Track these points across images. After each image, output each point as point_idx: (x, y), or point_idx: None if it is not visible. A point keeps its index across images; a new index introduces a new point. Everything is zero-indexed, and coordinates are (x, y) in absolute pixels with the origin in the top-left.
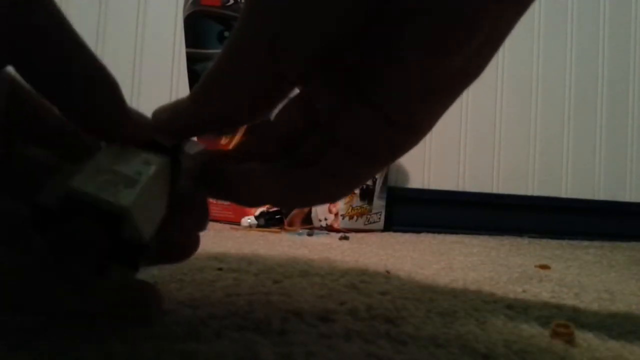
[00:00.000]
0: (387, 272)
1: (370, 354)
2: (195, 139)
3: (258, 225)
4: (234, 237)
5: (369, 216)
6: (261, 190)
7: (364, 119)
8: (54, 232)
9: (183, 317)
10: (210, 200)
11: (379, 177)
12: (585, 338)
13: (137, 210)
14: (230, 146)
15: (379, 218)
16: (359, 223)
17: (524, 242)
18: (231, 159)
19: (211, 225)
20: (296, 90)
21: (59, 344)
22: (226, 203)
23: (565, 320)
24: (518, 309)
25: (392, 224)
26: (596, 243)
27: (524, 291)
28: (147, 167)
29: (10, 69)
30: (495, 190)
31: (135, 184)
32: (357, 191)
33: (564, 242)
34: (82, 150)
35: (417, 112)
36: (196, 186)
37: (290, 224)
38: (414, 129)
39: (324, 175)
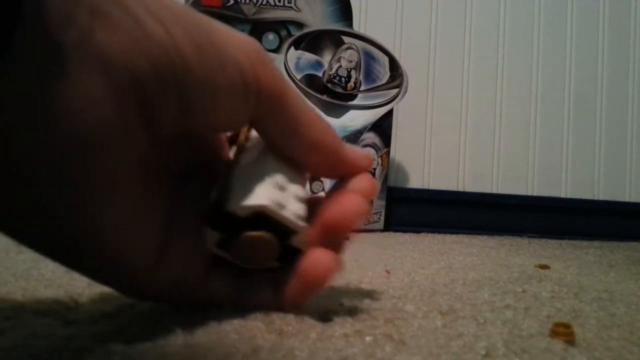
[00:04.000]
0: (387, 272)
1: (370, 354)
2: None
3: None
4: None
5: (368, 216)
6: None
7: None
8: (237, 234)
9: (183, 317)
10: None
11: (379, 177)
12: (585, 338)
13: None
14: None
15: (379, 218)
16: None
17: (524, 242)
18: None
19: None
20: None
21: (58, 343)
22: None
23: (565, 320)
24: (518, 309)
25: (392, 224)
26: (596, 243)
27: (523, 291)
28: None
29: None
30: (495, 190)
31: (301, 200)
32: None
33: (564, 242)
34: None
35: None
36: None
37: None
38: None
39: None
